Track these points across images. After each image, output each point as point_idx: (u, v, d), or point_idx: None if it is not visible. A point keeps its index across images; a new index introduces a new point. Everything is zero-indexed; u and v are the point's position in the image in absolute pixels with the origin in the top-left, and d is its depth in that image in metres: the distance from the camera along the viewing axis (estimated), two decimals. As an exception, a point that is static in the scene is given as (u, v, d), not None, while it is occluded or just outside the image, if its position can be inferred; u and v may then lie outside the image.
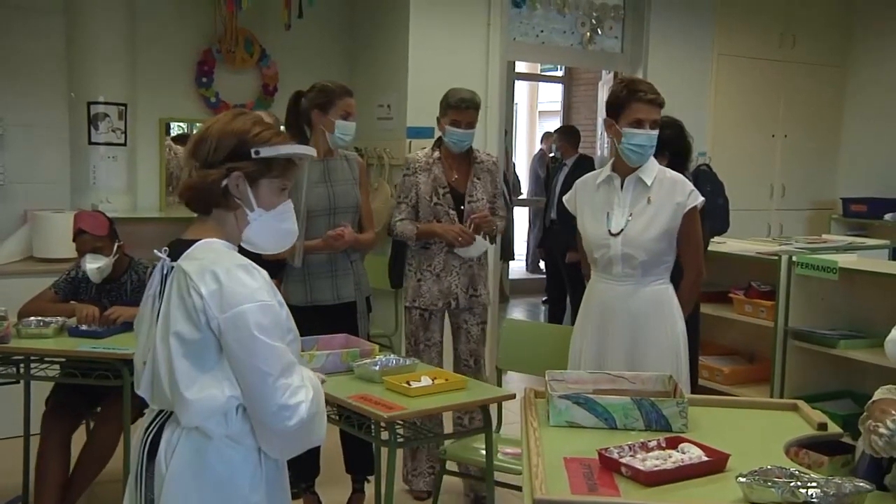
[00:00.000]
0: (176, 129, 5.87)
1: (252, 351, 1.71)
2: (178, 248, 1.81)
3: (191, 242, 1.81)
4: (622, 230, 2.86)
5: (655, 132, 2.85)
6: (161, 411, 1.82)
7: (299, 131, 3.55)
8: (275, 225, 1.87)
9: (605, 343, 2.90)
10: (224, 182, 1.80)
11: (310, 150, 1.93)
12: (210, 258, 1.76)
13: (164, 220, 5.40)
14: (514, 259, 8.95)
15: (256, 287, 1.74)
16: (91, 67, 5.10)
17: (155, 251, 1.84)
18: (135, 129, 5.30)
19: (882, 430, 1.90)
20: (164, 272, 1.81)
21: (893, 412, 1.96)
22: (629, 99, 2.84)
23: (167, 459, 1.78)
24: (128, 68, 5.22)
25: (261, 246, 1.90)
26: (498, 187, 3.96)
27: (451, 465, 3.36)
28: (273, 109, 5.33)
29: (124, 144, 5.19)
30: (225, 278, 1.72)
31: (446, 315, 3.85)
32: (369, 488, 3.62)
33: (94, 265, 3.47)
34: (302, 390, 1.75)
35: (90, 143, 5.09)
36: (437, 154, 3.82)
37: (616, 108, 2.88)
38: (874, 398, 2.22)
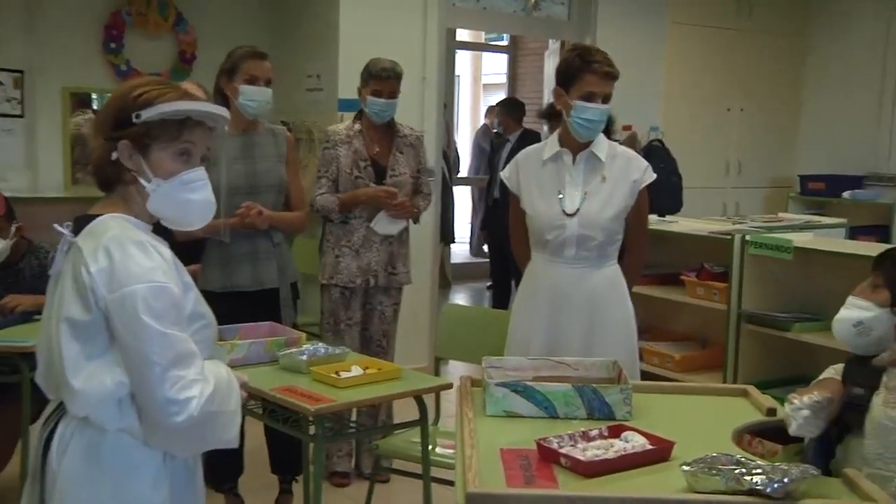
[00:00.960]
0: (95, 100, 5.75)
1: (139, 336, 1.66)
2: (81, 224, 1.77)
3: (94, 217, 1.77)
4: (578, 210, 2.88)
5: (607, 107, 2.87)
6: (61, 403, 1.78)
7: (226, 106, 3.50)
8: (179, 196, 1.79)
9: (560, 329, 2.92)
10: (114, 154, 1.77)
11: (203, 106, 1.83)
12: (108, 234, 1.71)
13: (70, 200, 5.27)
14: (454, 242, 8.96)
15: (151, 267, 1.70)
16: (-19, 30, 4.96)
17: (56, 226, 1.80)
18: (34, 99, 5.16)
19: (795, 401, 2.04)
20: (66, 250, 1.77)
21: (815, 392, 2.07)
22: (582, 69, 2.85)
23: (59, 456, 1.75)
24: (24, 31, 5.08)
25: (170, 220, 1.85)
26: (423, 163, 4.04)
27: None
28: (192, 79, 5.23)
29: (21, 116, 5.06)
30: (118, 255, 1.68)
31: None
32: (297, 488, 3.61)
33: (-10, 248, 3.39)
34: (197, 385, 1.69)
35: (-19, 114, 4.96)
36: (357, 126, 3.89)
37: (567, 77, 2.88)
38: (820, 378, 2.31)
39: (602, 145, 2.95)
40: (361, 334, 3.96)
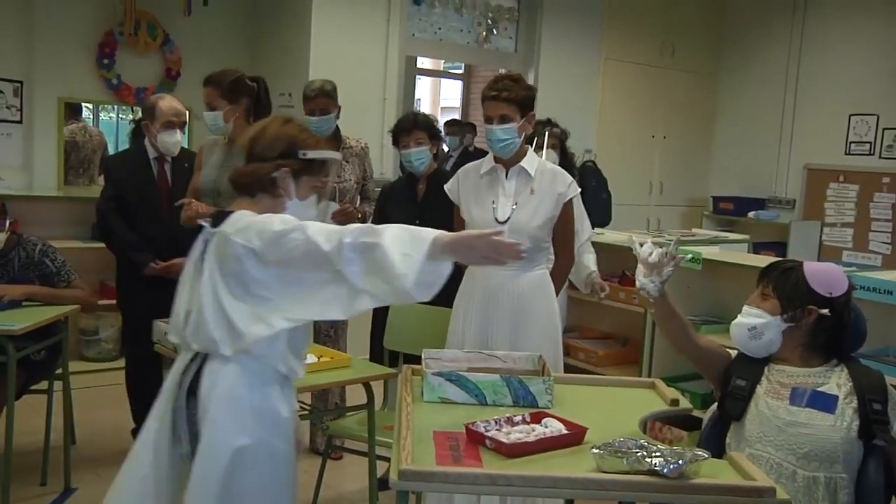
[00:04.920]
0: (84, 109, 5.65)
1: (281, 244, 1.89)
2: (219, 218, 2.03)
3: (230, 213, 2.04)
4: (509, 218, 2.88)
5: (508, 125, 2.85)
6: (196, 355, 2.03)
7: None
8: (302, 213, 2.09)
9: (489, 324, 2.91)
10: (273, 174, 2.06)
11: (337, 155, 2.28)
12: (240, 219, 1.99)
13: (62, 199, 5.19)
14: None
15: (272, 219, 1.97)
16: (-17, 42, 4.84)
17: (200, 221, 2.08)
18: (32, 107, 5.05)
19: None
20: (207, 238, 2.03)
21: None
22: (482, 97, 2.91)
23: (209, 388, 1.98)
24: (24, 45, 4.97)
25: None
26: (368, 171, 4.04)
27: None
28: (176, 93, 5.15)
29: (20, 122, 4.94)
30: (257, 222, 1.95)
31: None
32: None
33: (-14, 240, 3.32)
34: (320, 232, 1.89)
35: (-19, 119, 4.85)
36: None
37: (481, 104, 2.94)
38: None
39: (532, 162, 2.95)
40: (313, 325, 3.94)
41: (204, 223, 2.05)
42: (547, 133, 3.97)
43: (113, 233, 3.76)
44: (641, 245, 2.30)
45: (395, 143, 3.63)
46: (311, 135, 2.15)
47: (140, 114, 5.69)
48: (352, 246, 1.82)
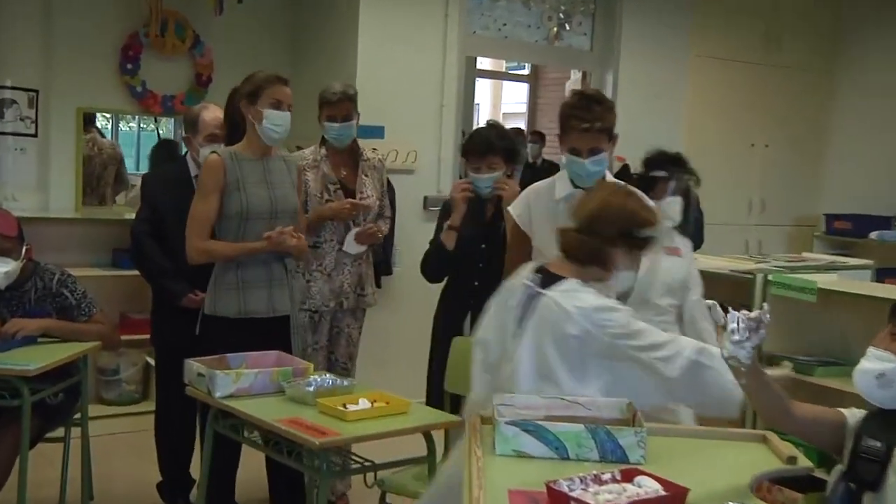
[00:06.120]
0: (101, 119, 5.79)
1: (624, 355, 2.40)
2: (547, 280, 2.46)
3: (557, 277, 2.47)
4: None
5: (599, 157, 2.87)
6: None
7: (234, 130, 3.51)
8: (625, 280, 2.53)
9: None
10: (612, 251, 2.45)
11: (660, 230, 2.59)
12: (581, 298, 2.42)
13: (81, 221, 5.32)
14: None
15: (620, 312, 2.42)
16: (-4, 48, 5.01)
17: (524, 281, 2.51)
18: (48, 119, 5.20)
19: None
20: (531, 295, 2.46)
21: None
22: (566, 123, 2.89)
23: None
24: (40, 50, 5.13)
25: (613, 291, 2.53)
26: (384, 186, 4.16)
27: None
28: (207, 101, 5.25)
29: (35, 135, 5.10)
30: (593, 301, 2.41)
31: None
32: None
33: (2, 269, 3.40)
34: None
35: (-6, 132, 5.01)
36: (323, 151, 3.98)
37: (561, 128, 2.94)
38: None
39: None
40: (327, 357, 4.00)
41: (528, 281, 2.50)
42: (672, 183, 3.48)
43: (147, 259, 3.85)
44: (725, 313, 2.18)
45: (465, 157, 3.66)
46: (650, 210, 2.52)
47: (165, 123, 5.88)
48: (689, 366, 2.37)
